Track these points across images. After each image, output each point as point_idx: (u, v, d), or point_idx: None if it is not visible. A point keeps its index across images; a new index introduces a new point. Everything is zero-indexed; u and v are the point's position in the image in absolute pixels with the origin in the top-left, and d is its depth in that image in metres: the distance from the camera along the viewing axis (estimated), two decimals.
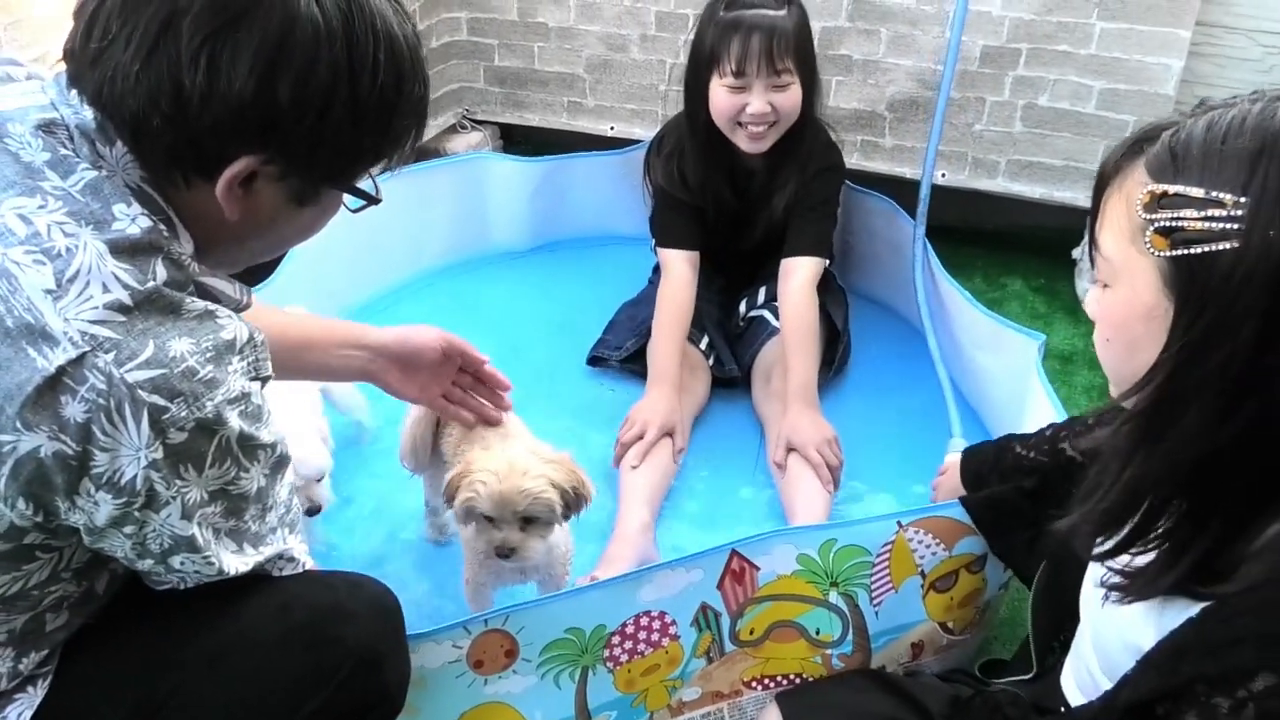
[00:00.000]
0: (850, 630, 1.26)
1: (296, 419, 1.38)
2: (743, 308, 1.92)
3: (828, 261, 1.81)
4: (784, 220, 1.81)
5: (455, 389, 1.34)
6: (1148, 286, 0.73)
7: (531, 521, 1.20)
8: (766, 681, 1.27)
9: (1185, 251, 0.69)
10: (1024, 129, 2.10)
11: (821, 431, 1.63)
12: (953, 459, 1.39)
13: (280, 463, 0.85)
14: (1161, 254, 0.70)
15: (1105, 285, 0.78)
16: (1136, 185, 0.73)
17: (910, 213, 1.93)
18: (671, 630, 1.20)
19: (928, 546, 1.24)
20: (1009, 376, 1.61)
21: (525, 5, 2.36)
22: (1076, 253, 2.18)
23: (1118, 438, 0.78)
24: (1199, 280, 0.69)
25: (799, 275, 1.76)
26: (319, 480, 1.37)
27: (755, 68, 1.64)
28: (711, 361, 1.86)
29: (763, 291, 1.90)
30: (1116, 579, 0.81)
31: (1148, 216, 0.71)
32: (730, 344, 1.89)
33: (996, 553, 1.26)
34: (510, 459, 1.19)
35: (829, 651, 1.26)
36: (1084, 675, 0.96)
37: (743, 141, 1.73)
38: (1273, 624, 0.72)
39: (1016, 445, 1.26)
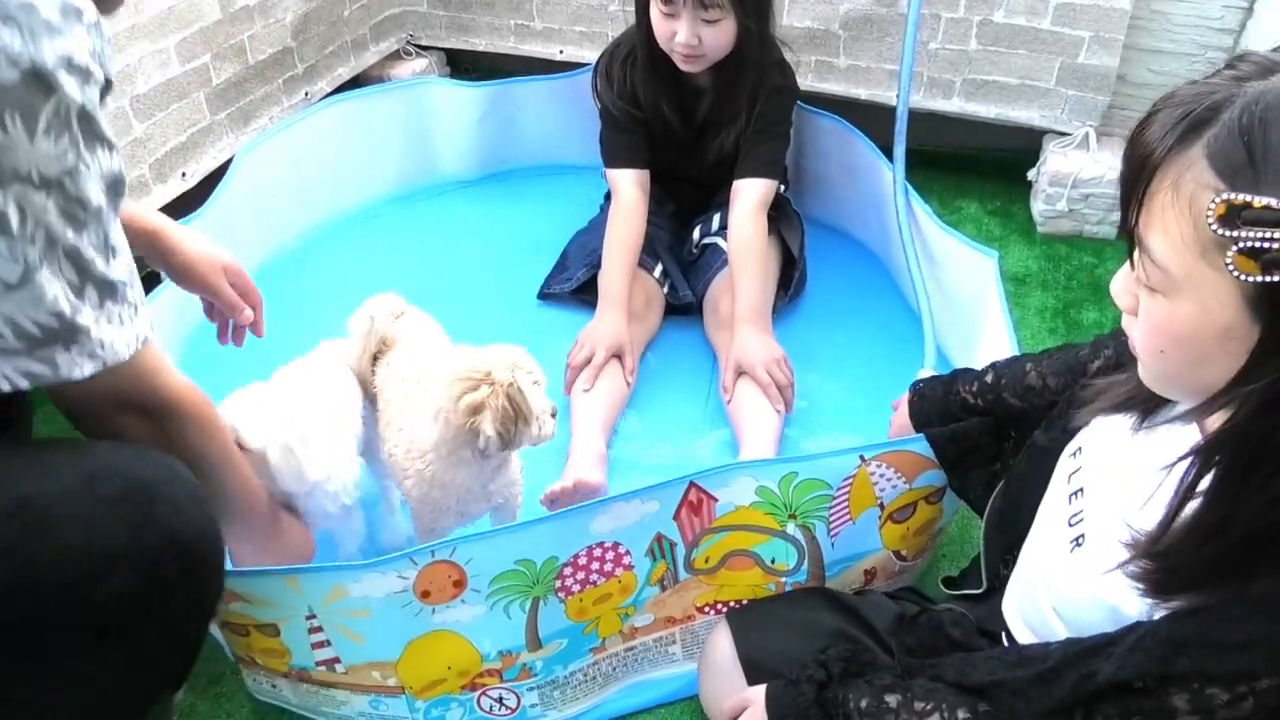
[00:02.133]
0: (805, 560, 1.26)
1: (331, 423, 1.29)
2: (696, 234, 1.88)
3: (779, 184, 1.78)
4: (736, 146, 1.76)
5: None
6: (1225, 306, 0.64)
7: None
8: (719, 606, 1.27)
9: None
10: (979, 46, 2.06)
11: (770, 351, 1.62)
12: (903, 412, 1.37)
13: (117, 189, 0.78)
14: (1251, 278, 0.61)
15: (1153, 290, 0.69)
16: (1200, 188, 0.63)
17: (865, 133, 1.90)
18: (625, 560, 1.19)
19: (889, 480, 1.23)
20: (965, 296, 1.60)
21: None
22: (1032, 174, 2.17)
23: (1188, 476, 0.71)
24: None
25: (747, 197, 1.72)
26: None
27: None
28: (666, 289, 1.83)
29: (716, 218, 1.86)
30: (1145, 575, 0.75)
31: (1227, 234, 0.61)
32: (684, 271, 1.87)
33: (955, 488, 1.25)
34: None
35: (783, 579, 1.26)
36: (1032, 611, 0.95)
37: (678, 61, 1.68)
38: None
39: (961, 387, 1.24)
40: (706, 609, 1.27)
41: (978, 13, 2.03)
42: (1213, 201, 0.61)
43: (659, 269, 1.83)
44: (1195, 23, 1.97)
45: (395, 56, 2.43)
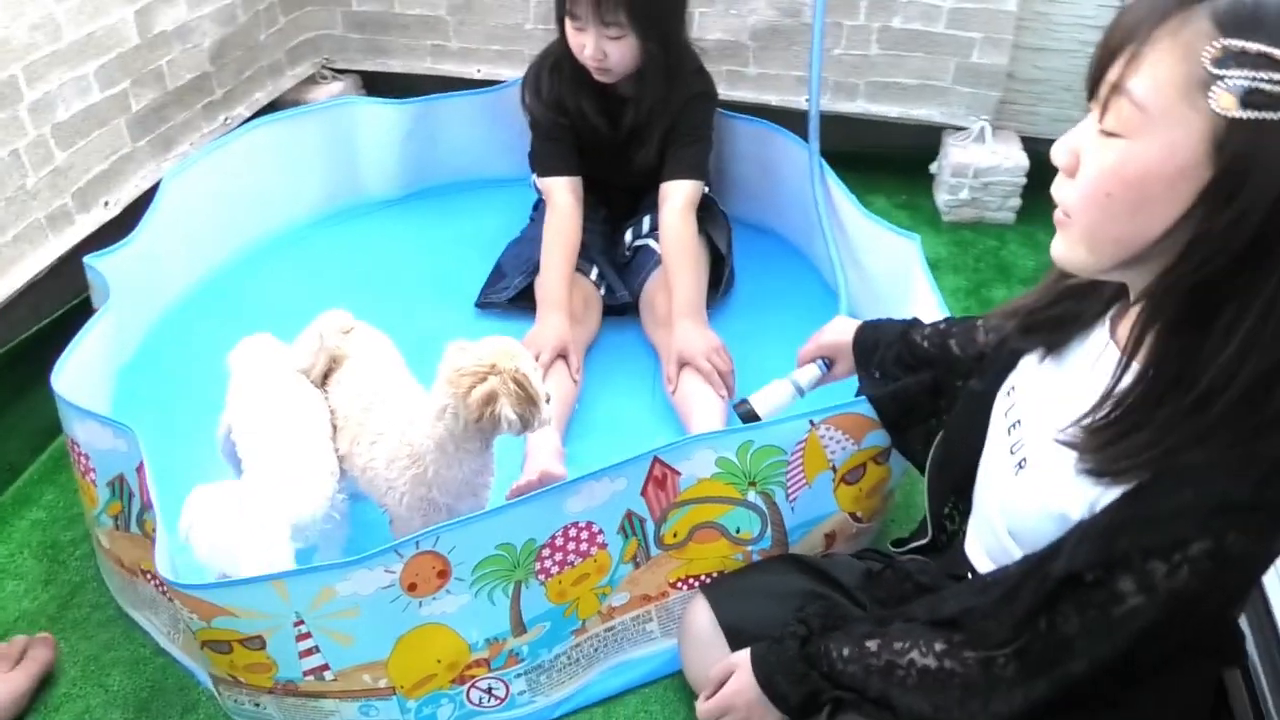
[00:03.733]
0: (769, 526, 1.32)
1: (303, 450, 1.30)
2: (628, 237, 1.95)
3: (704, 185, 1.85)
4: (661, 152, 1.83)
5: None
6: (1190, 146, 0.69)
7: None
8: (691, 581, 1.32)
9: (1257, 115, 0.65)
10: (880, 51, 2.19)
11: (709, 341, 1.68)
12: (834, 328, 1.44)
13: None
14: (1228, 113, 0.66)
15: (1112, 135, 0.73)
16: (1199, 36, 0.68)
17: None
18: (599, 539, 1.24)
19: (838, 442, 1.31)
20: (887, 277, 1.70)
21: None
22: (934, 167, 2.30)
23: (1131, 330, 0.78)
24: (1265, 150, 0.66)
25: (676, 198, 1.80)
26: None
27: (586, 14, 1.65)
28: (603, 291, 1.88)
29: (646, 220, 1.93)
30: (1094, 464, 0.81)
31: (1217, 71, 0.66)
32: (618, 273, 1.92)
33: (897, 446, 1.33)
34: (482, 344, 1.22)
35: (749, 548, 1.32)
36: (992, 542, 1.02)
37: (592, 72, 1.75)
38: (1212, 496, 0.76)
39: (915, 332, 1.34)
40: (679, 584, 1.32)
41: (877, 19, 2.16)
42: (1211, 45, 0.67)
43: (595, 272, 1.88)
44: (1074, 21, 2.14)
45: (311, 80, 2.43)
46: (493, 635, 1.20)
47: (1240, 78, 0.66)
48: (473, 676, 1.22)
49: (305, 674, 1.15)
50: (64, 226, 1.75)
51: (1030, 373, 1.01)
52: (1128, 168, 0.72)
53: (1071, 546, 0.85)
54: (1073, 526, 0.86)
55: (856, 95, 2.25)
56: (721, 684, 1.16)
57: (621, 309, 1.90)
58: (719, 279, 1.91)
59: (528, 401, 1.22)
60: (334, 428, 1.33)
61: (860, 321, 1.40)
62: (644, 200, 1.94)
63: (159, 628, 1.35)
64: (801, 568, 1.28)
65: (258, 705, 1.21)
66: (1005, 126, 2.25)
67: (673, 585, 1.32)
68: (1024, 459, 0.96)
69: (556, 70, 1.81)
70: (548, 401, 1.28)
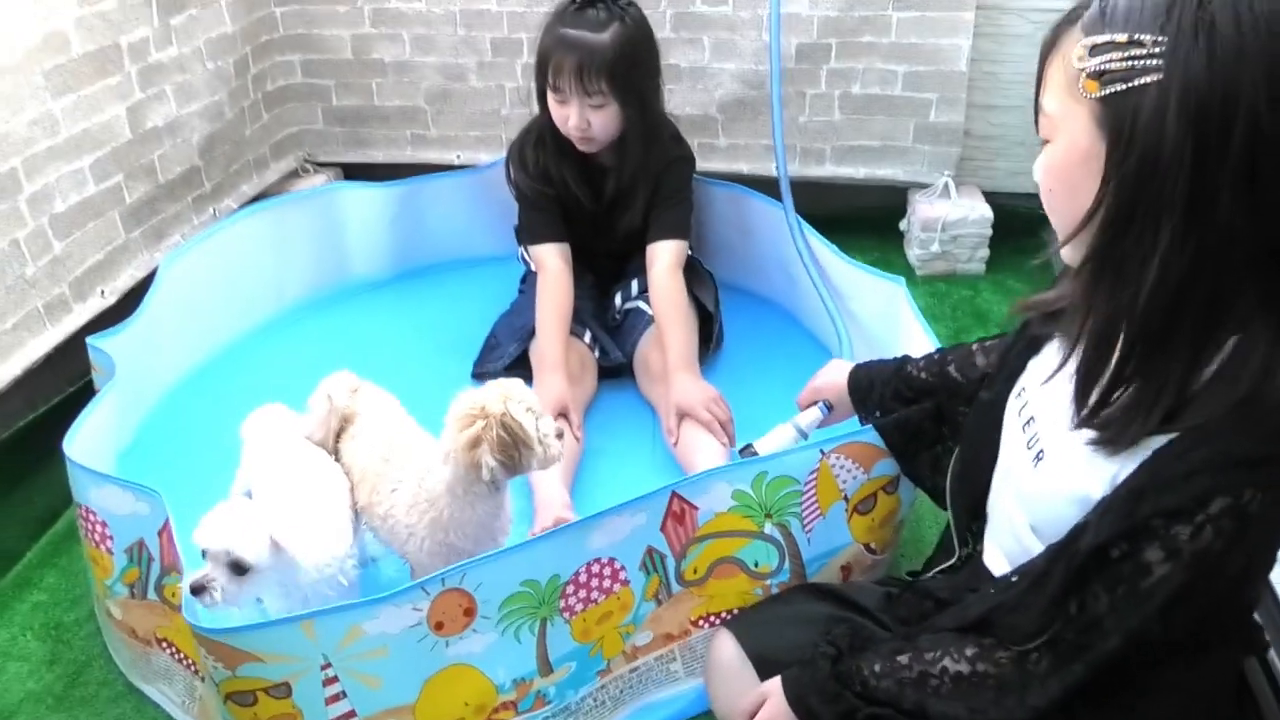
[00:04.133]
0: (786, 559, 1.33)
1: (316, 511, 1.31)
2: (617, 301, 1.99)
3: (688, 244, 1.91)
4: (644, 218, 1.90)
5: None
6: (1083, 131, 0.81)
7: None
8: (712, 619, 1.32)
9: (1113, 89, 0.77)
10: (842, 116, 2.31)
11: (706, 392, 1.72)
12: (829, 371, 1.48)
13: None
14: (1093, 95, 0.78)
15: (1046, 143, 0.86)
16: (1073, 44, 0.81)
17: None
18: (621, 575, 1.25)
19: (849, 471, 1.34)
20: (877, 321, 1.75)
21: (360, 44, 2.39)
22: (903, 224, 2.40)
23: (1074, 294, 0.86)
24: (1128, 114, 0.76)
25: (663, 258, 1.86)
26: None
27: (568, 86, 1.73)
28: (597, 353, 1.92)
29: (634, 284, 1.98)
30: (1099, 434, 0.87)
31: (1080, 67, 0.79)
32: (610, 335, 1.96)
33: (906, 473, 1.37)
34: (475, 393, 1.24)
35: (768, 582, 1.33)
36: (1012, 545, 1.04)
37: (575, 142, 1.82)
38: (1222, 453, 0.79)
39: (909, 366, 1.39)
40: (701, 622, 1.32)
41: (837, 87, 2.28)
42: (1078, 48, 0.80)
43: (588, 335, 1.92)
44: (1021, 79, 2.27)
45: (293, 175, 2.50)
46: (520, 676, 1.19)
47: (1095, 64, 0.78)
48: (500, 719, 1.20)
49: None
50: (61, 315, 1.77)
51: (1039, 373, 1.05)
52: (1054, 163, 0.86)
53: (1097, 520, 0.87)
54: (1096, 505, 0.89)
55: (824, 160, 2.35)
56: (753, 715, 1.16)
57: (616, 370, 1.93)
58: (708, 336, 1.96)
59: (513, 445, 1.23)
60: (351, 485, 1.34)
61: (853, 364, 1.45)
62: (629, 265, 2.00)
63: (173, 699, 1.32)
64: (822, 595, 1.28)
65: None
66: (967, 182, 2.36)
67: (694, 624, 1.32)
68: (1041, 450, 0.99)
69: (540, 144, 1.88)
70: (559, 437, 1.29)
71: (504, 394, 1.23)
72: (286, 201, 2.14)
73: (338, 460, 1.37)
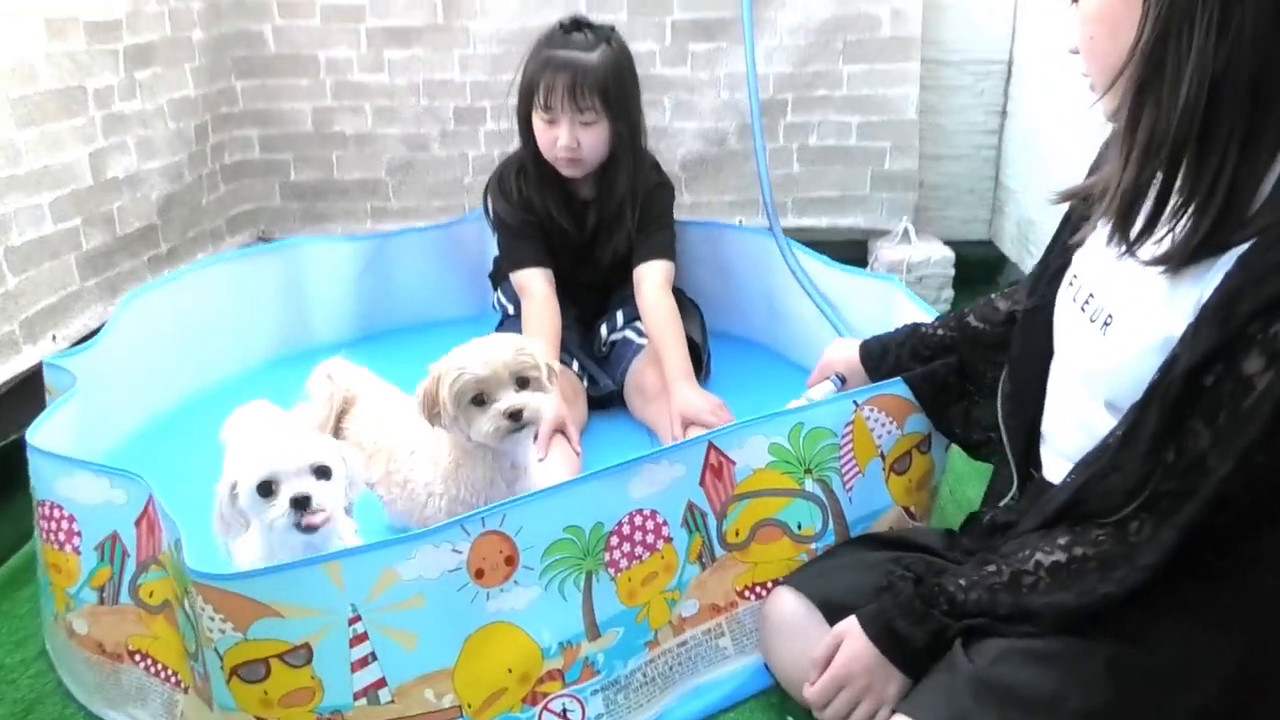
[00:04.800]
0: (830, 518, 1.26)
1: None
2: (604, 332, 1.95)
3: (673, 265, 1.90)
4: (628, 246, 1.89)
5: None
6: None
7: (524, 384, 1.15)
8: (758, 590, 1.23)
9: None
10: (802, 168, 2.38)
11: (709, 399, 1.67)
12: (836, 347, 1.48)
13: None
14: None
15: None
16: None
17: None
18: (664, 531, 1.16)
19: (883, 425, 1.30)
20: (877, 324, 1.74)
21: (321, 116, 2.39)
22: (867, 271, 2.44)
23: (1119, 118, 0.88)
24: None
25: (652, 278, 1.84)
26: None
27: (560, 103, 1.75)
28: (586, 382, 1.85)
29: (619, 315, 1.95)
30: (1158, 252, 0.88)
31: None
32: (599, 366, 1.91)
33: (938, 426, 1.33)
34: (480, 341, 1.15)
35: (813, 546, 1.25)
36: (1083, 441, 0.99)
37: (561, 167, 1.82)
38: None
39: (923, 328, 1.37)
40: (747, 593, 1.22)
41: (795, 140, 2.36)
42: None
43: (575, 364, 1.87)
44: (965, 128, 2.39)
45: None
46: (566, 638, 1.07)
47: None
48: (545, 694, 1.07)
49: (357, 695, 0.99)
50: (10, 354, 1.64)
51: (1088, 256, 1.04)
52: (1092, 9, 0.91)
53: (1191, 339, 0.85)
54: (1187, 327, 0.86)
55: (786, 212, 2.40)
56: (829, 661, 1.06)
57: (605, 401, 1.87)
58: (697, 366, 1.92)
59: (427, 400, 1.23)
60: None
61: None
62: (613, 298, 1.97)
63: None
64: (877, 543, 1.21)
65: None
66: (923, 231, 2.43)
67: (740, 595, 1.22)
68: (1109, 315, 0.97)
69: (521, 173, 1.88)
70: (513, 415, 1.24)
71: (461, 352, 1.23)
72: (248, 255, 2.07)
73: (342, 438, 1.27)
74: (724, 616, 1.21)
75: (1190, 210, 0.85)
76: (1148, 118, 0.85)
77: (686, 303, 2.01)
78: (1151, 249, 0.89)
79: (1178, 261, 0.86)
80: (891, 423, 1.30)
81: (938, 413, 1.32)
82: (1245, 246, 0.83)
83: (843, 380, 1.44)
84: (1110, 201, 0.90)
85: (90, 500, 1.15)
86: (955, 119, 2.38)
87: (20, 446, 1.57)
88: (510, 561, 1.04)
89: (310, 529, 1.02)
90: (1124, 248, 0.91)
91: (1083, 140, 1.08)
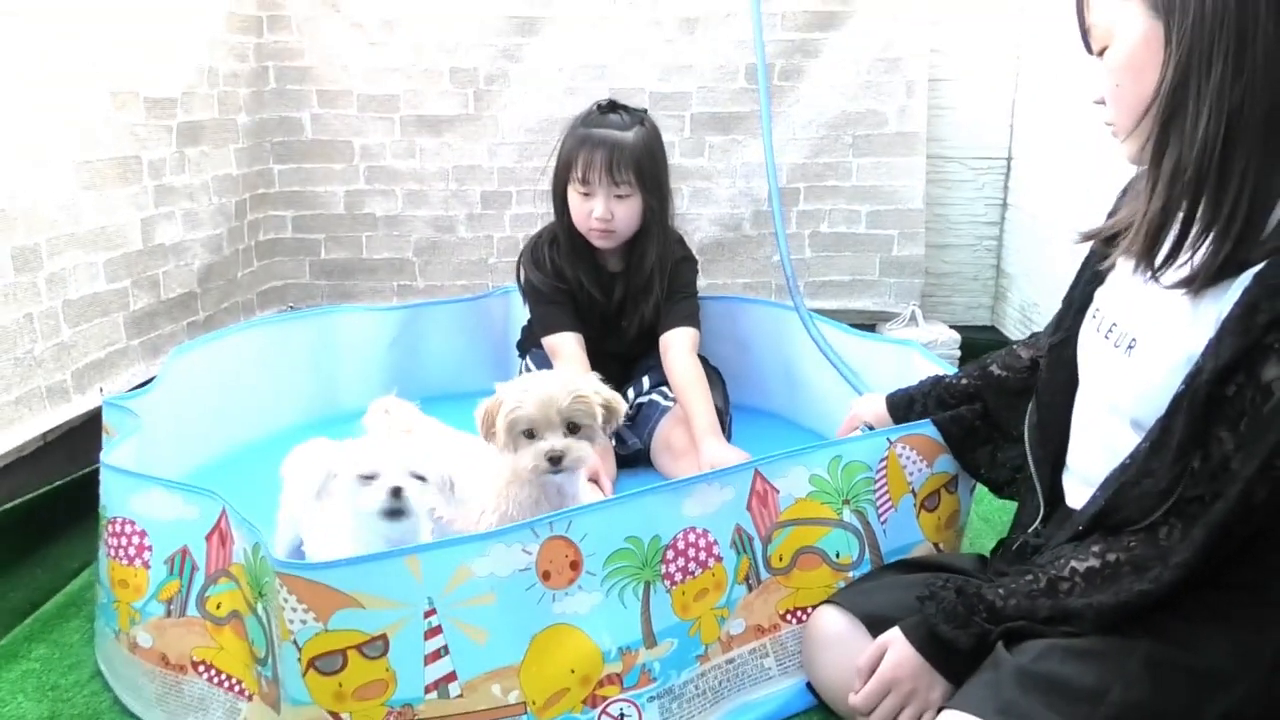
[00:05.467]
0: (866, 549, 1.31)
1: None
2: (630, 395, 2.01)
3: (699, 333, 1.98)
4: (655, 315, 1.98)
5: None
6: (1137, 19, 0.94)
7: (575, 430, 1.19)
8: (799, 614, 1.26)
9: None
10: (813, 254, 2.50)
11: (738, 453, 1.72)
12: (863, 400, 1.56)
13: None
14: None
15: (1104, 52, 1.00)
16: None
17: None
18: (715, 550, 1.20)
19: (914, 463, 1.36)
20: (897, 385, 1.81)
21: (352, 199, 2.51)
22: None
23: (1141, 159, 0.98)
24: None
25: (679, 344, 1.92)
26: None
27: (597, 177, 1.86)
28: (614, 442, 1.90)
29: (645, 380, 2.02)
30: (1180, 276, 0.95)
31: None
32: (626, 426, 1.96)
33: (965, 467, 1.39)
34: (545, 376, 1.20)
35: (849, 574, 1.29)
36: (1110, 463, 1.03)
37: (594, 239, 1.93)
38: None
39: (947, 378, 1.45)
40: (789, 616, 1.26)
41: (807, 227, 2.48)
42: None
43: None
44: (968, 219, 2.53)
45: None
46: (625, 644, 1.10)
47: None
48: (605, 698, 1.09)
49: (428, 689, 1.01)
50: (60, 402, 1.68)
51: (1109, 291, 1.13)
52: (1118, 60, 0.99)
53: (1213, 350, 0.91)
54: (1209, 341, 0.93)
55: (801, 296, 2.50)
56: (873, 669, 1.09)
57: (633, 459, 1.91)
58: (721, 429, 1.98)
59: (484, 424, 1.34)
60: None
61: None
62: (637, 366, 2.05)
63: None
64: (915, 567, 1.26)
65: None
66: (929, 316, 2.54)
67: (782, 618, 1.26)
68: (1132, 339, 1.04)
69: (554, 245, 1.98)
70: (556, 456, 1.32)
71: (523, 383, 1.32)
72: (286, 320, 2.14)
73: None
74: (768, 638, 1.24)
75: (1212, 234, 0.93)
76: (1172, 151, 0.94)
77: (710, 369, 2.08)
78: (1174, 273, 0.97)
79: (1201, 282, 0.93)
80: (922, 461, 1.36)
81: (965, 454, 1.38)
82: (1262, 265, 0.90)
83: (871, 429, 1.50)
84: (1137, 230, 0.98)
85: (163, 516, 1.19)
86: (958, 210, 2.52)
87: (61, 493, 1.61)
88: (575, 566, 1.07)
89: (396, 515, 1.06)
90: (1149, 273, 0.98)
91: (1080, 229, 1.18)
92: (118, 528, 1.22)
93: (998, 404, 1.38)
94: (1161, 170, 0.96)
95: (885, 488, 1.33)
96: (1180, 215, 0.95)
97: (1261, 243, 0.92)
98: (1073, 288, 1.23)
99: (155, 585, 1.18)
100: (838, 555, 1.28)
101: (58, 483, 1.66)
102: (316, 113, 2.47)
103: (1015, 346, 1.41)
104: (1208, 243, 0.94)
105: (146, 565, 1.19)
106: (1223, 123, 0.91)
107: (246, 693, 1.12)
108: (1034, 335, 1.40)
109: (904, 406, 1.48)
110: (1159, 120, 0.95)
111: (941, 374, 1.48)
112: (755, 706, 1.21)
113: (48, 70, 1.67)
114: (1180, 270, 0.96)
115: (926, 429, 1.37)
